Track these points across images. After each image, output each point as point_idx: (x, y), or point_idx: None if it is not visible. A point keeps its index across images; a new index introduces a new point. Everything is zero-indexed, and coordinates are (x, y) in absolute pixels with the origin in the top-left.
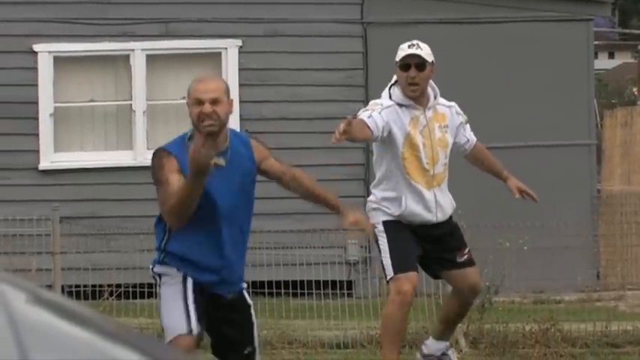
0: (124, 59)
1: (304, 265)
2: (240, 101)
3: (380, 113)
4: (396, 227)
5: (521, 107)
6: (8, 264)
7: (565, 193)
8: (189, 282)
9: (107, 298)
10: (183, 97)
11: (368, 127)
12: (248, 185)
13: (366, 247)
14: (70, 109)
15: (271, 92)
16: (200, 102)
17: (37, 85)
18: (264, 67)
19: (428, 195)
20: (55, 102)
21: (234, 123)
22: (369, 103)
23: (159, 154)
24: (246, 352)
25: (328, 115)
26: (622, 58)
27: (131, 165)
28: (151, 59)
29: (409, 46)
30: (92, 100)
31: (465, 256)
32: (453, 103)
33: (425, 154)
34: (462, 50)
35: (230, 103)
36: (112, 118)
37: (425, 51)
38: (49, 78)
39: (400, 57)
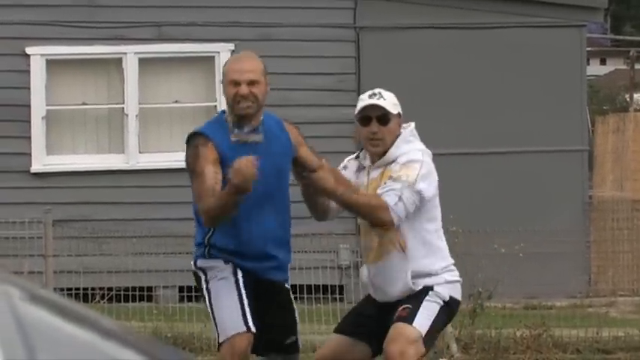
0: (117, 62)
1: (296, 269)
2: None
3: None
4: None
5: (514, 113)
6: (0, 266)
7: (557, 199)
8: (240, 275)
9: (99, 301)
10: (176, 101)
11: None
12: (285, 167)
13: (357, 252)
14: (62, 112)
15: None
16: (236, 83)
17: (29, 88)
18: None
19: (364, 270)
20: (47, 105)
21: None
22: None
23: (195, 140)
24: (288, 341)
25: (320, 119)
26: (614, 65)
27: (123, 168)
28: (144, 63)
29: (370, 96)
30: (84, 103)
31: (397, 313)
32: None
33: (362, 222)
34: (454, 55)
35: (267, 83)
36: (104, 122)
37: (389, 101)
38: (42, 81)
39: (359, 109)
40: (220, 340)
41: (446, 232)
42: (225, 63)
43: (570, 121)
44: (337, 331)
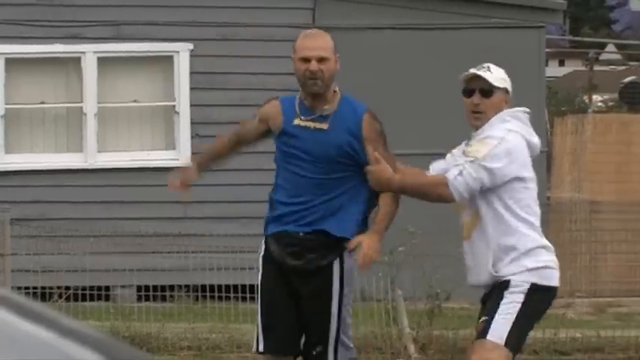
0: (75, 61)
1: (254, 269)
2: (191, 105)
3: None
4: None
5: None
6: None
7: None
8: (265, 267)
9: (56, 301)
10: (135, 100)
11: None
12: (339, 156)
13: None
14: (20, 110)
15: (222, 96)
16: (306, 60)
17: None
18: (216, 71)
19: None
20: (5, 103)
21: (184, 125)
22: None
23: (269, 99)
24: (314, 351)
25: None
26: (572, 66)
27: (81, 167)
28: (102, 62)
29: (477, 68)
30: (43, 102)
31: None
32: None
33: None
34: (414, 57)
35: (337, 60)
36: (63, 121)
37: (495, 75)
38: (0, 80)
39: (462, 79)
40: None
41: (404, 232)
42: (296, 40)
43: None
44: None
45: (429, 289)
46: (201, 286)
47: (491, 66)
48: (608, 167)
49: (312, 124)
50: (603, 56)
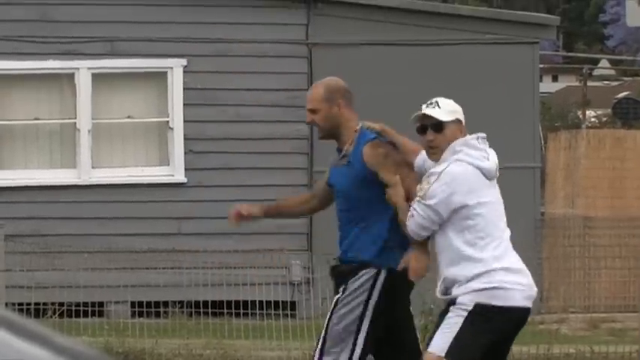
0: (69, 77)
1: (247, 285)
2: (185, 121)
3: None
4: None
5: (466, 129)
6: None
7: (509, 216)
8: None
9: (51, 317)
10: (129, 116)
11: None
12: (352, 187)
13: (309, 268)
14: (14, 126)
15: (216, 112)
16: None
17: None
18: (209, 87)
19: None
20: None
21: (177, 141)
22: None
23: None
24: None
25: (272, 135)
26: (565, 82)
27: (75, 183)
28: (96, 78)
29: (426, 105)
30: (37, 118)
31: None
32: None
33: None
34: (407, 72)
35: (330, 106)
36: (57, 137)
37: (444, 108)
38: None
39: (414, 118)
40: None
41: None
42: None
43: (522, 137)
44: None
45: (422, 305)
46: (195, 302)
47: (440, 100)
48: (602, 183)
49: (339, 163)
50: (597, 72)
